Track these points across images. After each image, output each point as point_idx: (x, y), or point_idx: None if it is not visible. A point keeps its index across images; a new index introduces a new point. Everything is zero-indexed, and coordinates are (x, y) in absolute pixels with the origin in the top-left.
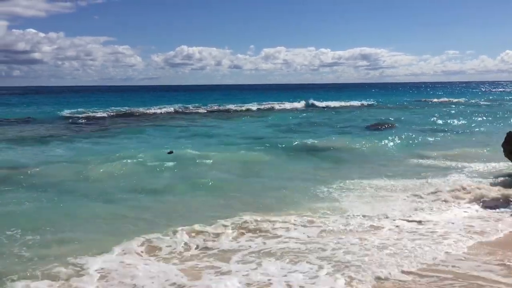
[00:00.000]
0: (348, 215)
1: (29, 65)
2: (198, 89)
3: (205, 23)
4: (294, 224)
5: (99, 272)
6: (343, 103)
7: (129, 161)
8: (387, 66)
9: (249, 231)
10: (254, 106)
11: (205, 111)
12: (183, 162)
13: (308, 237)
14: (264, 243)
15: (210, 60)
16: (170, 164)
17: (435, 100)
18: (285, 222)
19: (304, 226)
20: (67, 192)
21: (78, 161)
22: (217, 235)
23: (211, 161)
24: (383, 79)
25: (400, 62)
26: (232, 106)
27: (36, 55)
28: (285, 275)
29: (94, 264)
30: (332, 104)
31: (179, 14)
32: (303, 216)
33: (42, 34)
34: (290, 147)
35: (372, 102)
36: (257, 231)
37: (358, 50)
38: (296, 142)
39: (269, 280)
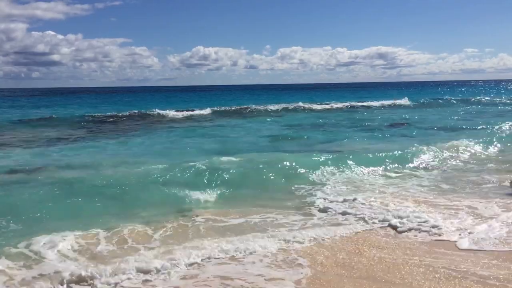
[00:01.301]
0: None
1: (48, 66)
2: (218, 89)
3: (221, 24)
4: None
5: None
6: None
7: (137, 164)
8: (404, 65)
9: None
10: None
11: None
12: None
13: None
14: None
15: (226, 60)
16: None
17: (481, 98)
18: None
19: None
20: (67, 190)
21: (90, 163)
22: None
23: None
24: (400, 78)
25: (417, 61)
26: (272, 106)
27: (55, 57)
28: None
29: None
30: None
31: (195, 15)
32: None
33: (60, 36)
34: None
35: (403, 102)
36: None
37: (374, 49)
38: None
39: None
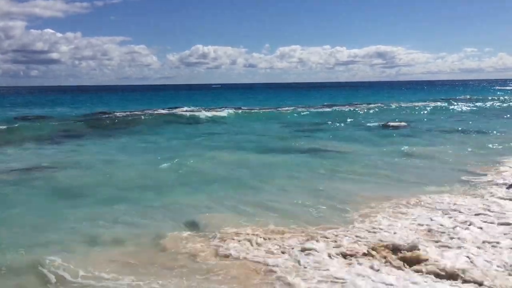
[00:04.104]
0: None
1: (46, 65)
2: (216, 88)
3: (220, 22)
4: None
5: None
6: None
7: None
8: (403, 64)
9: None
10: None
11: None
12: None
13: None
14: None
15: (225, 59)
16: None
17: None
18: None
19: None
20: (60, 191)
21: (86, 162)
22: None
23: None
24: (399, 78)
25: (416, 60)
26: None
27: (54, 55)
28: None
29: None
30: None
31: (194, 13)
32: None
33: (59, 34)
34: None
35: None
36: None
37: (374, 48)
38: None
39: None
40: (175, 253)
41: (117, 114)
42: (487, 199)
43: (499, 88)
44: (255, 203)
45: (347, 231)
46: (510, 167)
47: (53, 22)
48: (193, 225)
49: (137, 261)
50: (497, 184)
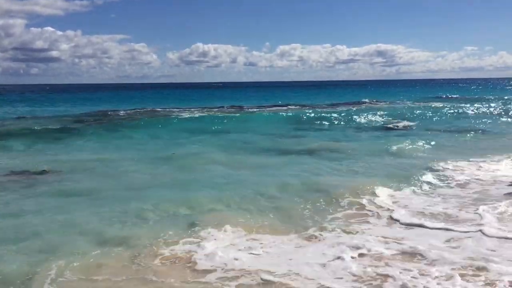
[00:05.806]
0: None
1: (46, 63)
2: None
3: (220, 20)
4: None
5: None
6: None
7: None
8: (403, 62)
9: None
10: None
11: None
12: None
13: None
14: None
15: (226, 57)
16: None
17: None
18: None
19: None
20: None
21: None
22: None
23: None
24: (399, 76)
25: (416, 59)
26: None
27: (54, 53)
28: None
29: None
30: None
31: (194, 11)
32: None
33: (59, 33)
34: None
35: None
36: None
37: (374, 46)
38: None
39: None
40: (166, 261)
41: (115, 112)
42: None
43: None
44: (257, 203)
45: None
46: None
47: (53, 20)
48: (192, 230)
49: (131, 271)
50: None
